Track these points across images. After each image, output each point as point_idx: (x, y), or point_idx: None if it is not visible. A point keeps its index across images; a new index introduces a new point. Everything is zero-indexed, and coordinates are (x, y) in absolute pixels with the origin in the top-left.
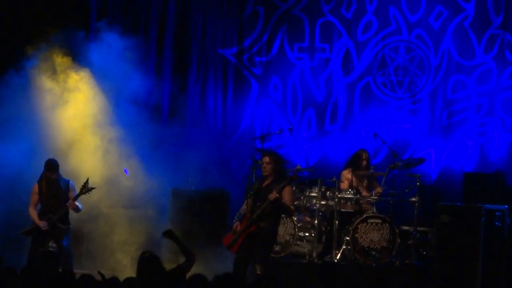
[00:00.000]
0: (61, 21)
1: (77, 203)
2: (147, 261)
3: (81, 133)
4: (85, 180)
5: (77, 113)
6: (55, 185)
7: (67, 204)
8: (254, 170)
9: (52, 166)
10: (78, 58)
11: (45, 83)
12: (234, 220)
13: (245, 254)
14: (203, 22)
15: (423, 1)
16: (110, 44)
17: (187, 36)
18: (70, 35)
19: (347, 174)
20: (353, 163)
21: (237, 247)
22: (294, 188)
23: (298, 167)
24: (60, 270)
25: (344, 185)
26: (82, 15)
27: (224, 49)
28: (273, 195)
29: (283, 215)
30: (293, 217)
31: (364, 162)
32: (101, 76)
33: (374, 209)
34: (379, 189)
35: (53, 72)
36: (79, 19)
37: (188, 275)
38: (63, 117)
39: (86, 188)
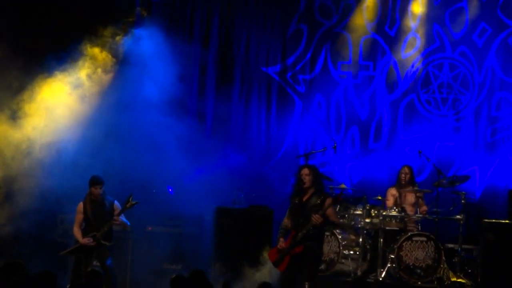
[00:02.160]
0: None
1: (123, 219)
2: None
3: None
4: (128, 195)
5: None
6: (100, 204)
7: (113, 219)
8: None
9: (97, 180)
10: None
11: None
12: (278, 236)
13: (293, 274)
14: (246, 39)
15: (466, 18)
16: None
17: (230, 54)
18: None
19: (392, 191)
20: (397, 180)
21: (284, 266)
22: (337, 207)
23: (343, 185)
24: None
25: (390, 202)
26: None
27: (268, 67)
28: (317, 219)
29: (327, 233)
30: (338, 235)
31: (404, 176)
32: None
33: (419, 227)
34: (424, 207)
35: None
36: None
37: None
38: None
39: (130, 203)
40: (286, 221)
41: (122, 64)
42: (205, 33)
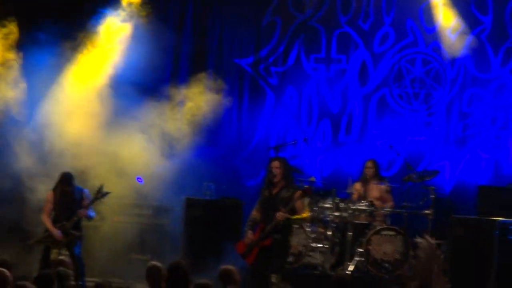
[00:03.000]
0: None
1: (88, 212)
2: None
3: None
4: (99, 186)
5: None
6: (69, 193)
7: (79, 212)
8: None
9: (67, 179)
10: None
11: None
12: (246, 228)
13: (262, 266)
14: (220, 31)
15: (440, 13)
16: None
17: (203, 45)
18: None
19: (357, 186)
20: (362, 174)
21: (252, 258)
22: (307, 201)
23: (313, 178)
24: (72, 278)
25: (355, 196)
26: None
27: (241, 59)
28: (282, 216)
29: (296, 226)
30: (306, 228)
31: (368, 171)
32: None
33: (389, 222)
34: (391, 203)
35: None
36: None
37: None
38: None
39: (100, 194)
40: (254, 214)
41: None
42: (179, 22)
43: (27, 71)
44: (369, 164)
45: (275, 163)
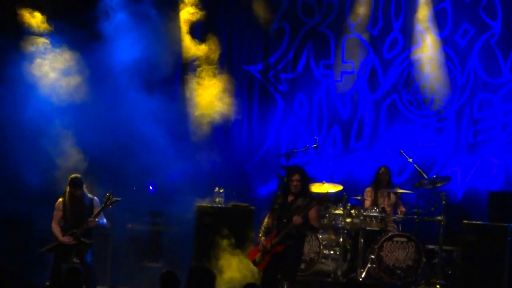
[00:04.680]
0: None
1: (99, 220)
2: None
3: None
4: (109, 192)
5: None
6: (79, 202)
7: (89, 219)
8: (280, 187)
9: (76, 183)
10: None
11: None
12: (260, 235)
13: (273, 273)
14: (228, 37)
15: (449, 19)
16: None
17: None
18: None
19: (368, 192)
20: (375, 180)
21: (264, 265)
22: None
23: (325, 184)
24: (83, 286)
25: (368, 202)
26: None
27: (250, 65)
28: (298, 220)
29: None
30: (318, 235)
31: (382, 177)
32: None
33: (400, 228)
34: (402, 209)
35: None
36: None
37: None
38: None
39: (110, 201)
40: (267, 220)
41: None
42: (188, 30)
43: None
44: (383, 170)
45: (296, 177)
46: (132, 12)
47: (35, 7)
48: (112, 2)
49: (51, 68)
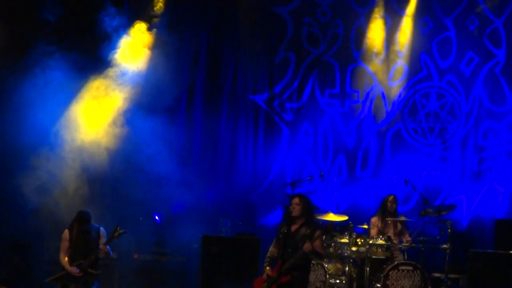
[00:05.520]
0: None
1: (108, 248)
2: None
3: None
4: (116, 224)
5: None
6: (86, 231)
7: (99, 249)
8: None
9: (84, 219)
10: None
11: None
12: (265, 264)
13: None
14: (234, 67)
15: (454, 47)
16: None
17: (218, 81)
18: None
19: (375, 221)
20: (381, 209)
21: None
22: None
23: (330, 214)
24: None
25: (374, 232)
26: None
27: (255, 95)
28: (309, 248)
29: (313, 262)
30: (324, 264)
31: (390, 205)
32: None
33: (406, 256)
34: (408, 238)
35: None
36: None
37: None
38: None
39: (117, 232)
40: (272, 250)
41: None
42: (193, 60)
43: None
44: (391, 199)
45: (295, 200)
46: None
47: None
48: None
49: None
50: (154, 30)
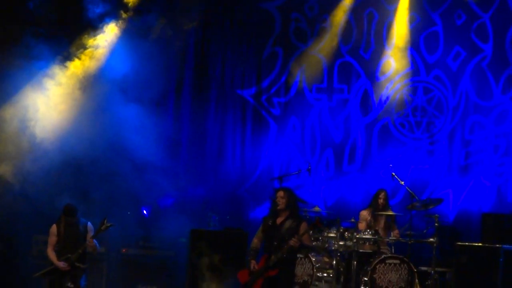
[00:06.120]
0: None
1: (95, 242)
2: None
3: None
4: (103, 218)
5: None
6: (73, 227)
7: (87, 243)
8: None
9: (71, 211)
10: None
11: None
12: (249, 258)
13: None
14: (222, 62)
15: (441, 42)
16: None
17: (206, 76)
18: None
19: (365, 214)
20: (372, 203)
21: None
22: (311, 231)
23: (317, 208)
24: None
25: (362, 225)
26: None
27: (243, 90)
28: (296, 242)
29: (301, 256)
30: (312, 258)
31: (381, 201)
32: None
33: (392, 250)
34: (396, 231)
35: None
36: None
37: None
38: None
39: (104, 225)
40: (255, 241)
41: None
42: (181, 55)
43: None
44: (383, 195)
45: (280, 193)
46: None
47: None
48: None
49: None
50: (139, 19)
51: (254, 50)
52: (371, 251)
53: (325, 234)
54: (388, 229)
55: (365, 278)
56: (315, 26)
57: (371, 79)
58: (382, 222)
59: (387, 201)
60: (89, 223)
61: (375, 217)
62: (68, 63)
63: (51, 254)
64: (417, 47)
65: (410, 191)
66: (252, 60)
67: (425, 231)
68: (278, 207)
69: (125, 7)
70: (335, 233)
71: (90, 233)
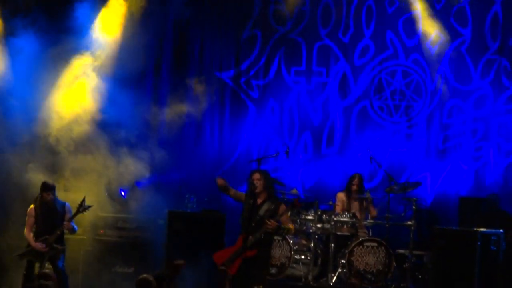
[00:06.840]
0: None
1: (72, 224)
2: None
3: None
4: (81, 199)
5: None
6: (51, 207)
7: (63, 224)
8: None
9: (48, 186)
10: None
11: None
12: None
13: (245, 277)
14: (200, 44)
15: (420, 26)
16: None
17: (184, 59)
18: None
19: (341, 196)
20: (347, 187)
21: (235, 269)
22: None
23: (295, 191)
24: None
25: (338, 208)
26: None
27: (222, 72)
28: (273, 225)
29: (279, 238)
30: (289, 240)
31: (354, 187)
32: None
33: (370, 233)
34: (374, 212)
35: None
36: None
37: None
38: None
39: (83, 207)
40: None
41: None
42: (159, 38)
43: None
44: (356, 179)
45: (256, 175)
46: None
47: None
48: None
49: None
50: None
51: (233, 33)
52: (349, 234)
53: (303, 216)
54: (364, 211)
55: (343, 261)
56: (294, 9)
57: (349, 62)
58: (358, 205)
59: (361, 186)
60: (67, 204)
61: (349, 199)
62: None
63: (29, 235)
64: (396, 31)
65: (388, 174)
66: (231, 42)
67: (403, 214)
68: (256, 190)
69: None
70: (313, 216)
71: (68, 215)
